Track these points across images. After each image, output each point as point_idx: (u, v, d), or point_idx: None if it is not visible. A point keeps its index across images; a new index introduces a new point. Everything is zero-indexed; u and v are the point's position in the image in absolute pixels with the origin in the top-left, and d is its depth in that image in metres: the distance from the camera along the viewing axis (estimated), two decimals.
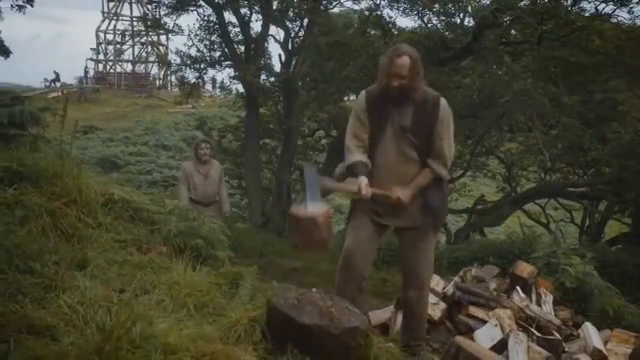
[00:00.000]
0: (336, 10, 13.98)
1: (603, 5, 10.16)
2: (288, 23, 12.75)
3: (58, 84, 36.08)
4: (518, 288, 4.44)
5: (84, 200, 3.29)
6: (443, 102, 3.18)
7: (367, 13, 12.59)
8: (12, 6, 13.49)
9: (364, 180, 3.03)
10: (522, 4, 10.32)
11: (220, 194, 6.63)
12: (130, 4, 41.15)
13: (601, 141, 11.15)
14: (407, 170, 3.19)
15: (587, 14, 10.60)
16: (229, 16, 12.85)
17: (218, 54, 13.52)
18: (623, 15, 10.93)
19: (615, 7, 10.20)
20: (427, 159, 3.18)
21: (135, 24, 39.55)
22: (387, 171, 3.19)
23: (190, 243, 3.59)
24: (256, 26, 13.15)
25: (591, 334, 4.08)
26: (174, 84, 24.26)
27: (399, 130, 3.15)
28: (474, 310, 4.14)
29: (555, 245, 5.67)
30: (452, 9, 11.88)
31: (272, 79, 13.20)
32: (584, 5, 10.69)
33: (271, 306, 2.54)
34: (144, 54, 43.04)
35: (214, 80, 20.41)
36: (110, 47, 42.63)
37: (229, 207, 7.07)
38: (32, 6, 13.83)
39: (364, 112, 3.23)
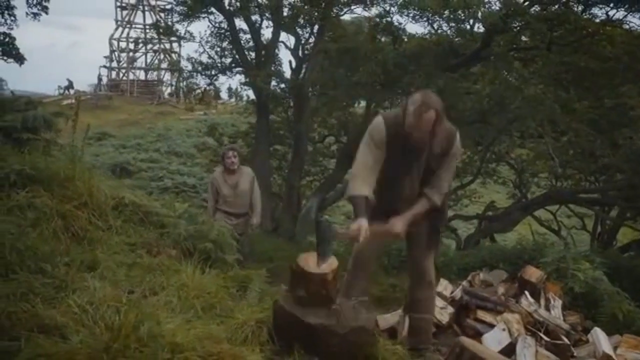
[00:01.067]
0: (346, 16, 14.03)
1: (614, 11, 10.16)
2: (298, 29, 12.82)
3: (71, 91, 36.41)
4: (526, 292, 4.43)
5: (94, 203, 3.35)
6: (457, 137, 3.24)
7: (377, 19, 12.62)
8: (26, 13, 13.73)
9: (363, 225, 2.96)
10: (532, 10, 10.32)
11: (253, 204, 6.20)
12: (143, 11, 41.57)
13: (612, 147, 11.07)
14: (413, 199, 3.24)
15: (597, 20, 10.57)
16: (239, 23, 12.95)
17: (229, 60, 13.61)
18: (634, 21, 10.92)
19: (626, 13, 10.18)
20: (424, 187, 3.22)
21: (147, 31, 39.89)
22: (399, 200, 3.25)
23: (199, 246, 3.63)
24: (266, 32, 13.24)
25: (600, 338, 4.06)
26: (184, 90, 24.41)
27: (414, 163, 3.19)
28: (481, 314, 4.14)
29: (564, 250, 5.66)
30: (462, 15, 11.89)
31: (282, 85, 13.26)
32: (595, 11, 10.65)
33: (277, 306, 2.56)
34: (156, 61, 43.35)
35: (229, 89, 20.59)
36: (123, 55, 42.99)
37: (259, 219, 6.38)
38: (46, 13, 14.08)
39: (383, 143, 3.18)
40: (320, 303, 2.56)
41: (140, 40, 42.13)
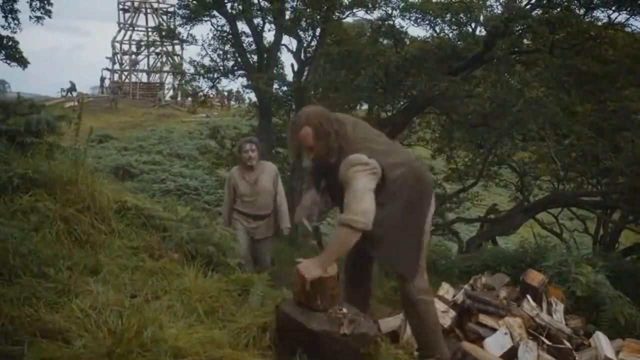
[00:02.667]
0: (349, 19, 14.05)
1: (616, 14, 10.17)
2: (300, 32, 12.84)
3: (74, 94, 36.51)
4: (528, 296, 4.43)
5: (97, 207, 3.35)
6: (346, 161, 2.88)
7: (379, 22, 12.64)
8: (30, 17, 13.77)
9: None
10: (534, 13, 10.33)
11: (278, 205, 5.45)
12: (146, 14, 41.72)
13: (614, 150, 11.06)
14: None
15: (599, 23, 10.59)
16: (241, 26, 12.97)
17: (231, 63, 13.61)
18: (636, 24, 10.92)
19: (629, 16, 10.19)
20: None
21: (150, 34, 39.97)
22: None
23: (201, 250, 3.62)
24: (269, 35, 13.26)
25: (602, 343, 4.05)
26: (186, 92, 24.40)
27: (336, 189, 3.04)
28: (483, 318, 4.13)
29: (566, 253, 5.65)
30: (464, 18, 11.91)
31: (284, 88, 13.27)
32: (597, 14, 10.66)
33: (280, 312, 2.56)
34: (159, 64, 43.43)
35: (237, 92, 20.49)
36: (126, 57, 43.09)
37: (287, 223, 5.56)
38: (49, 17, 14.11)
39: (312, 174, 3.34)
40: (332, 304, 2.59)
41: (142, 43, 42.18)
